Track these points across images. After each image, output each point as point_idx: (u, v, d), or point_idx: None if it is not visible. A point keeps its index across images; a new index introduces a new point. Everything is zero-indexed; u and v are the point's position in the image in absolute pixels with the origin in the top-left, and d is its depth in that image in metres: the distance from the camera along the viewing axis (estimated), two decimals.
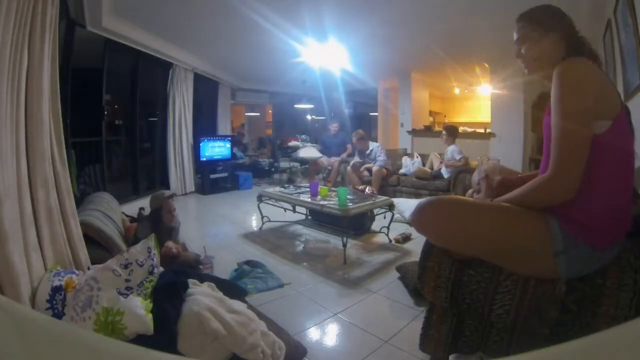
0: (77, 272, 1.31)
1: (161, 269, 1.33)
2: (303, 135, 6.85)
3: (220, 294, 1.30)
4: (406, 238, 2.86)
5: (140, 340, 1.01)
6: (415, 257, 1.51)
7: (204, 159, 5.27)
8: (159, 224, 2.12)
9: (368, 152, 4.73)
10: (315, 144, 6.55)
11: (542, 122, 1.04)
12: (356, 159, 4.80)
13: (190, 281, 1.31)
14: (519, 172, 1.32)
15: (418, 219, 1.07)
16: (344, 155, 5.36)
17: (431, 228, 1.06)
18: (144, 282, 1.20)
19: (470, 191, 1.36)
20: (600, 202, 0.91)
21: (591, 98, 0.89)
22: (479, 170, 1.25)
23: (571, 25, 1.05)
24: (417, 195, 4.25)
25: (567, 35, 1.03)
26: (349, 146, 5.45)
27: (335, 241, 2.72)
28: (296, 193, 3.12)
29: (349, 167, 4.77)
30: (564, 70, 0.93)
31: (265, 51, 4.57)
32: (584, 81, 0.91)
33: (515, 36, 1.10)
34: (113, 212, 2.24)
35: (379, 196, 2.99)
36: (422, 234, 1.09)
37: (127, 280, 1.15)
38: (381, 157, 4.57)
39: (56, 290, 1.14)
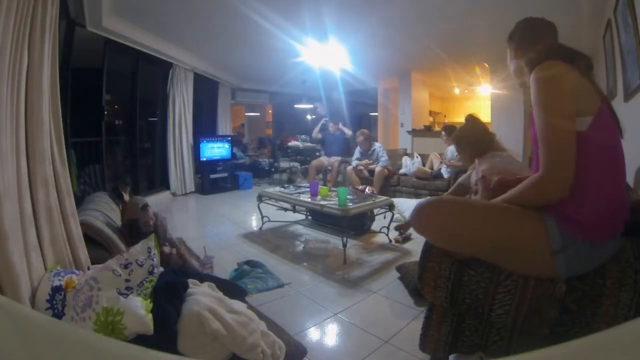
0: (77, 272, 1.31)
1: (161, 269, 1.33)
2: (303, 136, 6.84)
3: (220, 294, 1.30)
4: (406, 238, 2.86)
5: (140, 340, 1.01)
6: (415, 257, 1.51)
7: (204, 159, 5.27)
8: (139, 232, 2.02)
9: (370, 152, 4.73)
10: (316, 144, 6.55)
11: None
12: (357, 157, 4.79)
13: (190, 281, 1.31)
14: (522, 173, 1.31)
15: (417, 220, 1.07)
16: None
17: (430, 229, 1.07)
18: (144, 282, 1.20)
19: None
20: (594, 197, 0.92)
21: (566, 95, 0.92)
22: (477, 171, 1.25)
23: (549, 34, 1.11)
24: (417, 195, 4.26)
25: (543, 45, 1.07)
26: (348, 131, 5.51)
27: (335, 241, 2.71)
28: (296, 193, 3.12)
29: (349, 167, 4.78)
30: (535, 74, 0.97)
31: (265, 51, 4.57)
32: (555, 80, 0.94)
33: None
34: (113, 212, 2.24)
35: (379, 196, 2.99)
36: (421, 234, 1.09)
37: (127, 280, 1.15)
38: (384, 157, 4.58)
39: (56, 290, 1.13)
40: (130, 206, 2.16)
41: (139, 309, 1.04)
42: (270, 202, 3.30)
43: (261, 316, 1.34)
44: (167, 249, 2.01)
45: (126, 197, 2.57)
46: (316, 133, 5.91)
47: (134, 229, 2.04)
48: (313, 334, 1.58)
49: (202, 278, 1.42)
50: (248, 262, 2.30)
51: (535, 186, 0.95)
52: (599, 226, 0.91)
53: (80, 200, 2.33)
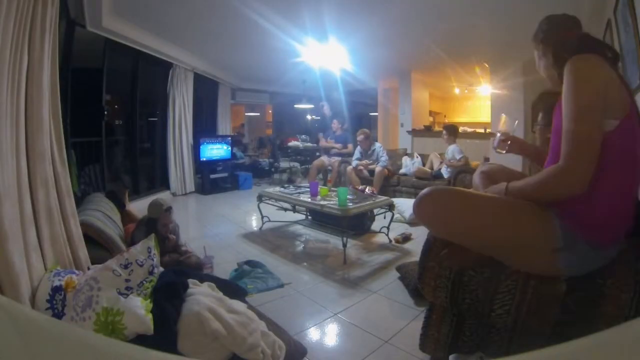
0: (77, 272, 1.31)
1: (161, 269, 1.33)
2: (303, 136, 6.83)
3: (220, 294, 1.30)
4: (406, 238, 2.86)
5: (140, 340, 1.01)
6: (415, 257, 1.51)
7: (204, 159, 5.27)
8: (155, 232, 2.06)
9: (370, 152, 4.73)
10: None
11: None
12: (357, 157, 4.79)
13: (190, 281, 1.31)
14: (524, 174, 1.31)
15: (418, 209, 1.07)
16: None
17: (431, 218, 1.06)
18: (144, 282, 1.20)
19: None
20: (603, 200, 0.91)
21: (599, 92, 0.89)
22: (479, 171, 1.25)
23: (573, 26, 1.07)
24: (417, 196, 4.25)
25: (570, 39, 1.03)
26: (349, 146, 5.44)
27: (335, 241, 2.71)
28: (296, 193, 3.12)
29: (349, 167, 4.77)
30: (572, 65, 0.93)
31: (265, 51, 4.57)
32: (591, 75, 0.91)
33: None
34: (113, 212, 2.24)
35: (379, 196, 2.99)
36: (422, 223, 1.09)
37: (127, 280, 1.15)
38: (384, 157, 4.57)
39: (56, 290, 1.14)
40: (152, 206, 2.15)
41: (139, 309, 1.04)
42: (270, 202, 3.30)
43: (261, 316, 1.34)
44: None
45: (126, 201, 2.56)
46: (324, 142, 5.69)
47: (151, 228, 2.04)
48: (313, 334, 1.58)
49: (202, 278, 1.42)
50: (248, 262, 2.30)
51: (557, 176, 0.91)
52: (605, 230, 0.90)
53: (80, 200, 2.33)
